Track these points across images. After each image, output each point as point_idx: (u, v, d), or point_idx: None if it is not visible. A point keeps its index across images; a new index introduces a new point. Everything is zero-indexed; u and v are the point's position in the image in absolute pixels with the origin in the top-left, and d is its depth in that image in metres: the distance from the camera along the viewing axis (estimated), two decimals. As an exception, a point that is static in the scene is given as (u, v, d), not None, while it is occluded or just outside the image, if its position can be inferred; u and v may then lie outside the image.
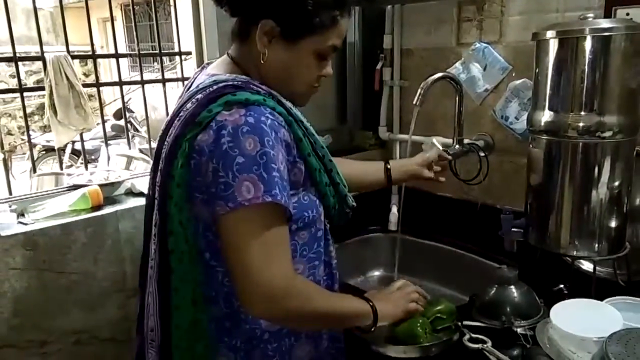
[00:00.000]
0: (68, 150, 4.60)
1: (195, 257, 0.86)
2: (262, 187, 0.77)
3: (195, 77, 0.99)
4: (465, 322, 1.13)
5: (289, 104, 0.89)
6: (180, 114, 0.85)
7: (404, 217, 1.75)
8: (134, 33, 2.16)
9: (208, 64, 1.01)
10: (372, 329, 0.98)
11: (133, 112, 5.18)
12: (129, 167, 2.11)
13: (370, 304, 0.98)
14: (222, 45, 1.53)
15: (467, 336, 1.08)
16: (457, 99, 1.47)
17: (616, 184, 1.12)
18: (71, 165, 4.44)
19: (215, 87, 0.84)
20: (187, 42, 1.65)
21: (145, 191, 1.39)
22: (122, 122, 5.33)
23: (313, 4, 0.85)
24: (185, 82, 1.03)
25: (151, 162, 1.81)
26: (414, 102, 1.41)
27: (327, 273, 1.02)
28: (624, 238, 1.18)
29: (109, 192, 1.43)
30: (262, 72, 0.90)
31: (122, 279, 1.37)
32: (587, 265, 1.31)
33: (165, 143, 0.86)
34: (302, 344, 0.96)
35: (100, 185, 1.38)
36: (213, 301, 0.89)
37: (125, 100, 4.93)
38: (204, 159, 0.80)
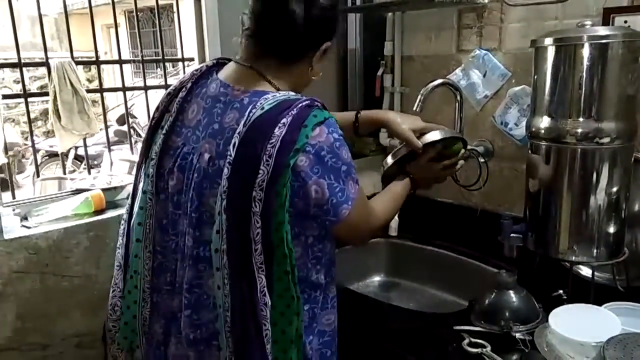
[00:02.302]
0: (71, 155, 4.62)
1: (292, 274, 0.89)
2: (356, 178, 0.93)
3: (189, 86, 0.98)
4: (465, 327, 1.14)
5: None
6: (272, 141, 0.84)
7: (404, 222, 1.77)
8: (138, 39, 2.18)
9: (200, 71, 1.00)
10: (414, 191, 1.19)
11: (136, 118, 5.20)
12: (132, 172, 2.12)
13: (410, 176, 1.18)
14: (224, 52, 1.54)
15: (466, 340, 1.09)
16: (457, 105, 1.49)
17: (614, 189, 1.13)
18: (74, 171, 4.46)
19: (295, 110, 0.87)
20: (190, 48, 1.67)
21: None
22: (124, 128, 5.36)
23: (338, 20, 0.99)
24: (172, 89, 1.01)
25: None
26: (414, 108, 1.42)
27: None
28: (622, 244, 1.18)
29: (111, 197, 1.44)
30: (300, 85, 0.99)
31: (123, 283, 1.38)
32: (585, 271, 1.31)
33: (260, 171, 0.84)
34: (328, 313, 1.02)
35: (103, 190, 1.39)
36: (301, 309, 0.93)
37: (128, 106, 4.96)
38: (311, 181, 0.87)
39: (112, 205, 1.42)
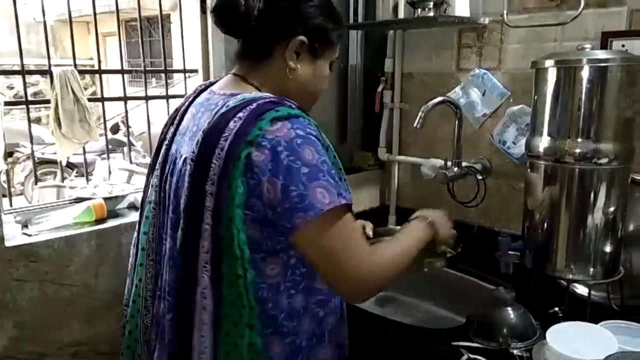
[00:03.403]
0: (62, 163, 4.60)
1: (247, 280, 0.84)
2: (334, 191, 0.81)
3: (191, 99, 1.00)
4: (463, 343, 1.15)
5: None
6: (225, 134, 0.82)
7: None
8: (140, 49, 2.19)
9: (205, 85, 1.02)
10: (436, 233, 1.07)
11: (130, 127, 5.20)
12: (130, 181, 2.12)
13: (425, 221, 1.06)
14: (228, 64, 1.56)
15: (465, 357, 1.10)
16: (456, 122, 1.51)
17: (611, 209, 1.15)
18: (65, 178, 4.44)
19: (254, 104, 0.84)
20: (190, 59, 1.69)
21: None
22: (118, 137, 5.36)
23: (331, 19, 0.96)
24: (179, 105, 1.03)
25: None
26: (415, 125, 1.44)
27: None
28: (618, 263, 1.20)
29: (112, 206, 1.44)
30: (285, 87, 0.94)
31: (122, 292, 1.37)
32: (581, 289, 1.33)
33: (213, 164, 0.82)
34: (324, 347, 0.96)
35: (104, 199, 1.39)
36: (261, 321, 0.87)
37: (122, 115, 4.95)
38: (264, 179, 0.80)
39: (113, 214, 1.42)
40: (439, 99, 1.46)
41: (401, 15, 1.63)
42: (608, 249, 1.17)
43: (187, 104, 1.01)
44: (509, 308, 1.18)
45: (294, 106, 0.87)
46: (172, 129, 1.00)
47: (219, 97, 0.92)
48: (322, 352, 0.96)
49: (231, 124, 0.83)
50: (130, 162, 2.19)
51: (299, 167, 0.80)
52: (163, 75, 2.09)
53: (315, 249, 0.84)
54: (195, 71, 1.64)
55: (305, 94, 0.97)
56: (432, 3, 1.50)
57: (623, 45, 1.27)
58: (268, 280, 0.86)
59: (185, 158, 0.89)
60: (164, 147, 1.00)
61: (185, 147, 0.92)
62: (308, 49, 0.94)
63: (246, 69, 0.96)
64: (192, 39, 1.63)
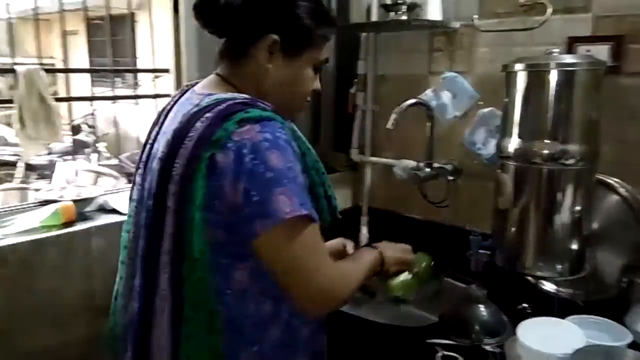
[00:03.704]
0: (21, 165, 4.44)
1: (209, 283, 0.82)
2: (297, 199, 0.79)
3: (177, 98, 0.99)
4: (437, 340, 1.18)
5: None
6: (191, 134, 0.81)
7: (375, 238, 1.79)
8: (108, 48, 2.14)
9: (191, 85, 1.01)
10: (381, 270, 1.07)
11: (93, 128, 5.07)
12: (97, 183, 2.07)
13: (377, 249, 1.07)
14: (201, 64, 1.54)
15: (440, 354, 1.12)
16: (429, 124, 1.54)
17: (577, 208, 1.19)
18: (23, 182, 4.29)
19: (224, 104, 0.82)
20: (158, 59, 1.66)
21: (120, 208, 1.39)
22: (80, 137, 5.21)
23: (312, 19, 0.91)
24: (166, 104, 1.02)
25: (119, 178, 1.79)
26: (388, 126, 1.47)
27: None
28: (584, 260, 1.25)
29: (80, 208, 1.40)
30: (261, 88, 0.92)
31: (92, 297, 1.34)
32: (548, 286, 1.37)
33: (176, 164, 0.81)
34: (296, 358, 0.94)
35: (73, 201, 1.35)
36: (225, 326, 0.85)
37: (85, 116, 4.82)
38: (227, 182, 0.78)
39: (82, 217, 1.38)
40: (413, 100, 1.48)
41: (374, 18, 1.65)
42: (575, 246, 1.21)
43: (172, 103, 0.99)
44: (481, 305, 1.21)
45: (268, 108, 0.84)
46: (156, 128, 0.99)
47: (197, 97, 0.91)
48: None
49: (197, 124, 0.81)
50: (98, 162, 2.13)
51: (263, 171, 0.77)
52: (128, 75, 2.05)
53: (275, 258, 0.82)
54: (167, 71, 1.62)
55: (283, 96, 0.94)
56: (405, 7, 1.52)
57: (588, 50, 1.31)
58: (234, 286, 0.85)
59: (159, 156, 0.88)
60: (148, 145, 0.99)
61: (160, 146, 0.91)
62: (282, 48, 0.90)
63: (227, 69, 0.95)
64: (160, 38, 1.60)
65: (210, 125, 0.80)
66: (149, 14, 1.86)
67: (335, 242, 1.21)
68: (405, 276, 1.21)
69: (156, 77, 1.80)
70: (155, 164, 0.89)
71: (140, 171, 0.98)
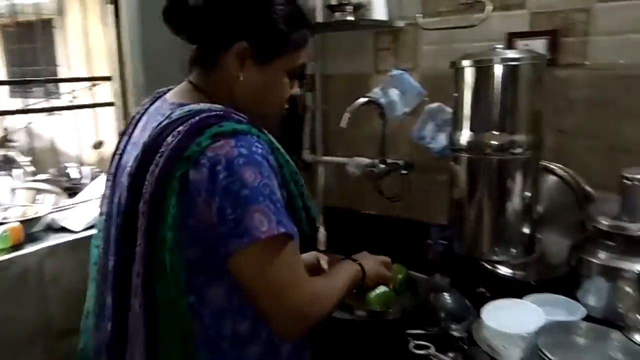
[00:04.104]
0: None
1: (184, 304, 0.79)
2: (274, 217, 0.76)
3: (147, 106, 0.95)
4: (408, 331, 1.21)
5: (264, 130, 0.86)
6: (162, 149, 0.77)
7: (332, 235, 1.81)
8: (29, 56, 2.02)
9: (162, 92, 0.97)
10: (362, 284, 1.07)
11: (14, 142, 4.75)
12: (36, 201, 1.95)
13: (357, 262, 1.07)
14: (147, 70, 1.50)
15: (412, 344, 1.15)
16: (381, 121, 1.58)
17: (527, 194, 1.26)
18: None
19: (197, 117, 0.78)
20: (81, 65, 1.59)
21: (69, 226, 1.33)
22: (4, 152, 4.87)
23: (287, 24, 0.87)
24: (135, 112, 0.98)
25: (60, 193, 1.69)
26: (342, 125, 1.49)
27: None
28: (535, 242, 1.32)
29: (28, 229, 1.32)
30: (234, 96, 0.88)
31: (48, 321, 1.26)
32: (503, 269, 1.45)
33: (146, 182, 0.77)
34: None
35: (20, 222, 1.27)
36: (199, 349, 0.81)
37: (6, 129, 4.50)
38: (201, 200, 0.75)
39: (30, 238, 1.30)
40: (365, 99, 1.51)
41: (320, 19, 1.66)
42: (526, 230, 1.29)
43: (142, 111, 0.95)
44: (445, 293, 1.26)
45: (243, 121, 0.81)
46: (125, 138, 0.94)
47: (168, 107, 0.87)
48: None
49: (169, 139, 0.77)
50: (22, 179, 2.00)
51: (238, 189, 0.74)
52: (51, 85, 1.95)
53: (250, 278, 0.79)
54: (108, 78, 1.55)
55: (258, 105, 0.90)
56: (350, 7, 1.55)
57: (526, 45, 1.39)
58: (210, 305, 0.82)
59: (128, 171, 0.84)
60: (116, 157, 0.94)
61: (130, 159, 0.87)
62: (254, 55, 0.87)
63: (199, 77, 0.91)
64: (79, 44, 1.53)
65: (183, 140, 0.76)
66: (79, 20, 1.78)
67: (309, 257, 1.20)
68: (383, 289, 1.24)
69: (94, 85, 1.71)
70: (124, 179, 0.85)
71: (109, 183, 0.94)
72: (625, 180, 1.16)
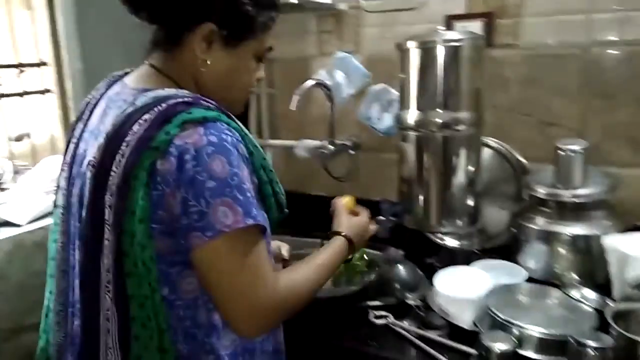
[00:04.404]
0: None
1: (158, 298, 0.76)
2: (241, 210, 0.74)
3: (103, 91, 0.91)
4: (367, 303, 1.26)
5: (232, 116, 0.83)
6: (128, 139, 0.74)
7: (284, 218, 1.82)
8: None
9: (118, 75, 0.93)
10: (350, 257, 1.06)
11: None
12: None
13: (343, 235, 1.04)
14: (84, 55, 1.43)
15: (371, 314, 1.20)
16: (328, 103, 1.60)
17: (470, 169, 1.34)
18: None
19: (164, 104, 0.75)
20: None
21: (14, 220, 1.25)
22: None
23: (255, 6, 0.85)
24: (90, 98, 0.93)
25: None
26: (291, 107, 1.50)
27: None
28: (478, 213, 1.41)
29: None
30: (200, 80, 0.86)
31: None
32: (449, 240, 1.53)
33: (112, 173, 0.74)
34: (256, 358, 0.90)
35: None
36: (176, 341, 0.80)
37: None
38: (168, 190, 0.73)
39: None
40: (312, 81, 1.53)
41: (263, 1, 1.66)
42: (470, 202, 1.36)
43: (98, 97, 0.90)
44: (400, 265, 1.31)
45: (212, 107, 0.78)
46: (80, 125, 0.89)
47: (130, 93, 0.83)
48: None
49: (135, 127, 0.74)
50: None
51: (204, 180, 0.72)
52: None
53: (209, 272, 0.76)
54: (45, 64, 1.47)
55: (225, 89, 0.88)
56: (294, -10, 1.55)
57: (464, 26, 1.47)
58: (184, 296, 0.80)
59: (89, 161, 0.80)
60: (71, 145, 0.89)
61: (90, 149, 0.83)
62: (220, 37, 0.83)
63: (161, 59, 0.86)
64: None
65: (150, 129, 0.73)
66: (2, 3, 1.66)
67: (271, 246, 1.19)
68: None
69: (21, 72, 1.61)
70: (85, 169, 0.81)
71: (64, 174, 0.89)
72: (559, 151, 1.26)
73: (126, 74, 0.92)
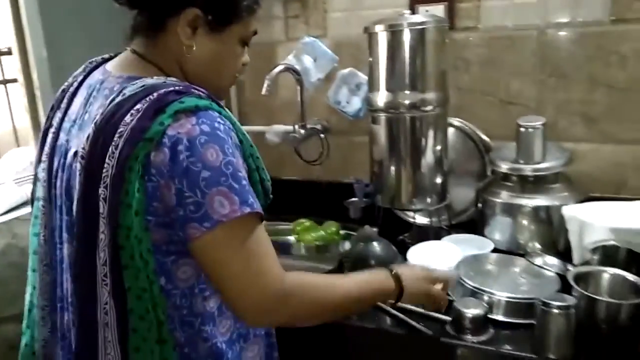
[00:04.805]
0: None
1: (155, 288, 0.76)
2: (237, 198, 0.73)
3: (81, 78, 0.89)
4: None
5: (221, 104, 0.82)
6: (121, 130, 0.72)
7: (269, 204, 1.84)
8: None
9: (97, 62, 0.91)
10: (395, 302, 0.97)
11: None
12: None
13: (394, 272, 0.95)
14: (49, 42, 1.40)
15: (349, 290, 1.25)
16: (298, 88, 1.63)
17: (438, 148, 1.40)
18: None
19: (155, 94, 0.74)
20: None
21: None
22: None
23: None
24: (66, 85, 0.91)
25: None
26: (263, 93, 1.52)
27: None
28: (446, 191, 1.47)
29: None
30: (185, 67, 0.84)
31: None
32: (419, 218, 1.59)
33: (106, 165, 0.72)
34: (250, 345, 0.90)
35: None
36: (173, 329, 0.80)
37: None
38: (163, 182, 0.72)
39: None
40: (282, 66, 1.55)
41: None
42: (439, 180, 1.43)
43: (76, 84, 0.88)
44: (375, 242, 1.36)
45: (203, 95, 0.77)
46: (59, 114, 0.87)
47: (115, 81, 0.81)
48: (251, 348, 0.90)
49: (127, 118, 0.72)
50: None
51: (199, 170, 0.71)
52: None
53: (210, 262, 0.76)
54: (9, 53, 1.43)
55: (211, 75, 0.87)
56: (261, -25, 1.56)
57: (427, 10, 1.52)
58: (181, 285, 0.79)
59: (76, 152, 0.78)
60: (50, 135, 0.87)
61: (75, 139, 0.81)
62: (205, 22, 0.81)
63: (144, 45, 0.85)
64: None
65: (143, 119, 0.72)
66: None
67: None
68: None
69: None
70: (71, 161, 0.80)
71: (43, 165, 0.87)
72: (520, 128, 1.33)
73: (105, 59, 0.90)
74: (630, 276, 1.06)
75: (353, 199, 1.57)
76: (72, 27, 1.42)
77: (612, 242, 1.12)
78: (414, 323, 1.12)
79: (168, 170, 0.72)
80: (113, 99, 0.76)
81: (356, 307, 0.96)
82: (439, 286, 1.01)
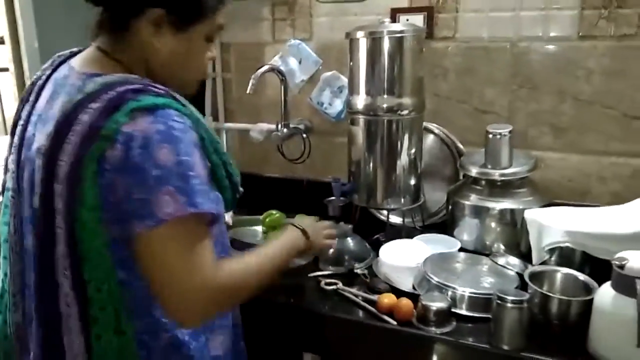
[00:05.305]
0: None
1: (114, 281, 0.78)
2: (184, 198, 0.74)
3: (49, 72, 0.89)
4: (318, 273, 1.36)
5: (184, 100, 0.83)
6: (76, 127, 0.74)
7: (239, 200, 1.89)
8: None
9: (65, 56, 0.91)
10: (310, 249, 1.11)
11: None
12: None
13: (297, 226, 1.09)
14: (41, 33, 1.45)
15: (322, 282, 1.31)
16: (282, 88, 1.69)
17: (413, 151, 1.47)
18: None
19: (113, 92, 0.75)
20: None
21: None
22: None
23: None
24: (35, 78, 0.92)
25: None
26: (248, 91, 1.58)
27: None
28: (420, 192, 1.54)
29: None
30: (150, 64, 0.85)
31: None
32: (394, 218, 1.66)
33: (61, 162, 0.74)
34: (216, 336, 0.93)
35: None
36: (134, 321, 0.81)
37: None
38: (115, 177, 0.73)
39: None
40: (267, 66, 1.61)
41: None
42: (413, 182, 1.49)
43: (45, 78, 0.90)
44: (349, 238, 1.43)
45: (162, 93, 0.77)
46: (27, 107, 0.89)
47: (78, 77, 0.82)
48: (216, 338, 0.92)
49: (84, 116, 0.74)
50: None
51: (149, 168, 0.72)
52: None
53: (149, 260, 0.77)
54: (2, 42, 1.47)
55: (176, 73, 0.87)
56: (250, -22, 1.62)
57: (407, 19, 1.59)
58: (140, 278, 0.79)
59: (39, 148, 0.80)
60: (19, 127, 0.89)
61: (39, 134, 0.82)
62: (170, 22, 0.82)
63: (109, 43, 0.85)
64: None
65: (99, 118, 0.73)
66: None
67: None
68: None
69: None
70: (34, 154, 0.81)
71: (13, 157, 0.88)
72: (489, 135, 1.40)
73: (74, 53, 0.91)
74: (582, 276, 1.13)
75: (332, 198, 1.63)
76: (64, 18, 1.46)
77: (567, 244, 1.19)
78: (382, 315, 1.18)
79: (121, 167, 0.73)
80: (73, 97, 0.78)
81: (277, 272, 0.98)
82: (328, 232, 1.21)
